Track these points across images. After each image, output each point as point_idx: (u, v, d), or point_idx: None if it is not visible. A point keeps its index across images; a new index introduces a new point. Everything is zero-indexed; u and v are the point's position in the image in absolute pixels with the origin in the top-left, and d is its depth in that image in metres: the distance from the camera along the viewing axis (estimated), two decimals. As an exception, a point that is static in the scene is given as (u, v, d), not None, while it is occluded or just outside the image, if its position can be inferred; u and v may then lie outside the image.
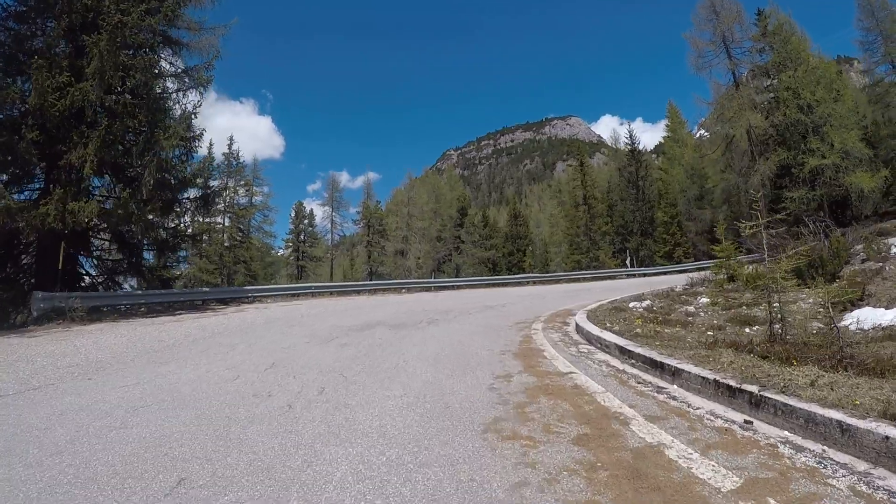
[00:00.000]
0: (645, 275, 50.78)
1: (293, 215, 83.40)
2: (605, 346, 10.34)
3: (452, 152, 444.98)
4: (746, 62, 54.58)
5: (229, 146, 70.18)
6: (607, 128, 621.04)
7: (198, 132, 28.45)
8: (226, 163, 68.98)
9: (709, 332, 10.22)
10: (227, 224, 68.64)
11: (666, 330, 10.97)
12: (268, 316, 21.02)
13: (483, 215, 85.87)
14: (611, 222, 71.96)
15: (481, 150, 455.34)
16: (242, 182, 70.69)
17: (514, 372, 8.64)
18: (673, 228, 66.23)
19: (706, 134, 72.95)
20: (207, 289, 32.35)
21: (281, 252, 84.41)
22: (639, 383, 7.50)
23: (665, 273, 50.77)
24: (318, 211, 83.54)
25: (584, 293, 29.54)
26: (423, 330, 14.82)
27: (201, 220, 65.45)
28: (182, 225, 32.83)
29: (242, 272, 65.88)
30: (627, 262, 56.19)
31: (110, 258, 29.18)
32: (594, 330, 11.57)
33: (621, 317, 13.82)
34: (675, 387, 7.15)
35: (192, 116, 27.70)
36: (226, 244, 66.51)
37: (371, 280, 73.33)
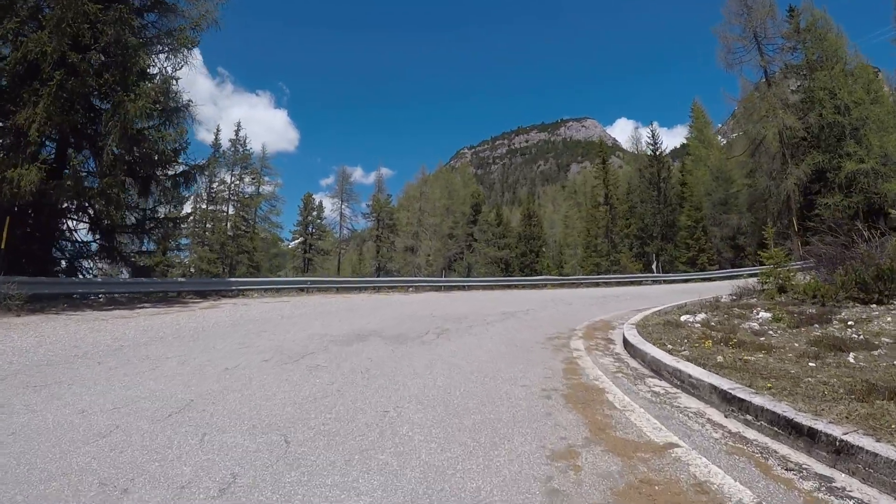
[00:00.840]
0: (672, 281, 47.09)
1: (302, 206, 79.99)
2: (689, 385, 7.01)
3: (466, 151, 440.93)
4: (778, 60, 52.44)
5: (236, 132, 67.17)
6: (623, 131, 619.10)
7: (182, 102, 24.91)
8: (232, 150, 65.64)
9: (810, 363, 7.58)
10: (230, 212, 65.19)
11: (748, 357, 8.20)
12: (241, 315, 17.35)
13: (497, 213, 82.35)
14: (632, 224, 68.02)
15: (495, 149, 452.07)
16: (248, 170, 67.17)
17: (577, 441, 4.98)
18: (697, 233, 61.93)
19: (733, 135, 70.74)
20: (183, 279, 28.41)
21: (289, 244, 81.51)
22: (788, 469, 4.29)
23: (692, 280, 46.95)
24: (328, 203, 79.85)
25: (612, 300, 26.09)
26: (430, 346, 11.14)
27: (199, 205, 63.41)
28: (171, 208, 28.85)
29: (245, 263, 62.87)
30: (654, 266, 52.39)
31: (80, 240, 25.25)
32: (663, 357, 8.42)
33: (680, 335, 10.78)
34: (843, 476, 4.11)
35: (172, 81, 23.91)
36: (229, 233, 62.94)
37: (378, 276, 70.31)
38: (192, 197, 62.85)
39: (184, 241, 60.42)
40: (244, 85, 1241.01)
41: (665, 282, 46.57)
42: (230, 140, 66.23)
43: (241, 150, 66.39)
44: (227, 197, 65.37)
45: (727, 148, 69.73)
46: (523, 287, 39.79)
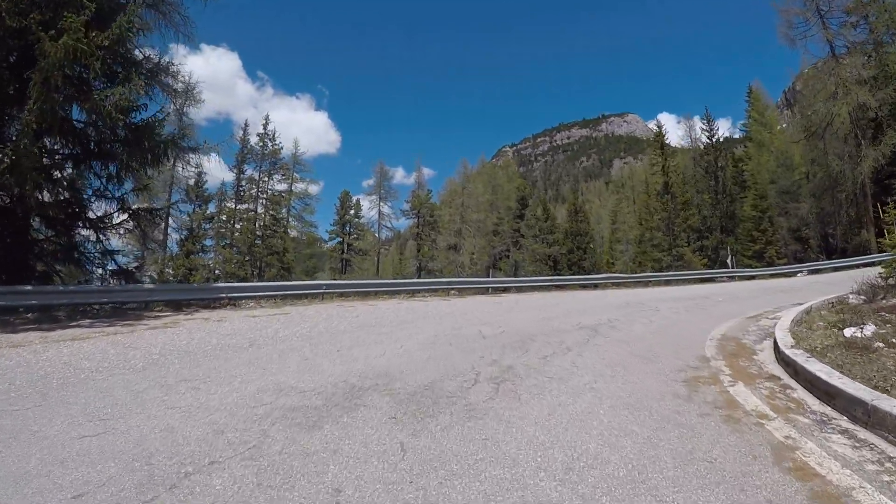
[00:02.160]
0: (749, 277, 41.34)
1: (338, 205, 76.04)
2: None
3: (508, 149, 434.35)
4: (842, 35, 47.34)
5: (264, 126, 61.85)
6: (664, 125, 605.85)
7: (157, 62, 19.45)
8: (260, 145, 60.32)
9: None
10: (259, 212, 59.94)
11: None
12: (198, 342, 11.39)
13: (544, 208, 76.59)
14: (694, 216, 61.71)
15: (537, 146, 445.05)
16: (278, 166, 61.88)
17: None
18: (764, 224, 55.98)
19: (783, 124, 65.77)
20: (152, 286, 22.24)
21: (327, 245, 76.79)
22: None
23: (769, 276, 41.29)
24: (366, 202, 74.68)
25: (702, 303, 21.08)
26: (485, 422, 5.68)
27: (225, 204, 58.49)
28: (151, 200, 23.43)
29: (276, 265, 57.60)
30: (729, 261, 46.21)
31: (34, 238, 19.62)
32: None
33: (886, 366, 6.59)
34: None
35: (133, 32, 18.07)
36: (258, 233, 57.80)
37: (419, 276, 65.34)
38: (217, 196, 58.61)
39: (208, 241, 56.01)
40: (284, 88, 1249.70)
41: (740, 278, 40.86)
42: (258, 135, 61.11)
43: (269, 145, 61.07)
44: (255, 195, 60.08)
45: (791, 130, 64.31)
46: (580, 287, 34.12)
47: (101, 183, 20.37)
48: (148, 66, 20.21)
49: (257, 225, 59.01)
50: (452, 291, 28.46)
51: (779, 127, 69.27)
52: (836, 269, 39.61)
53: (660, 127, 66.09)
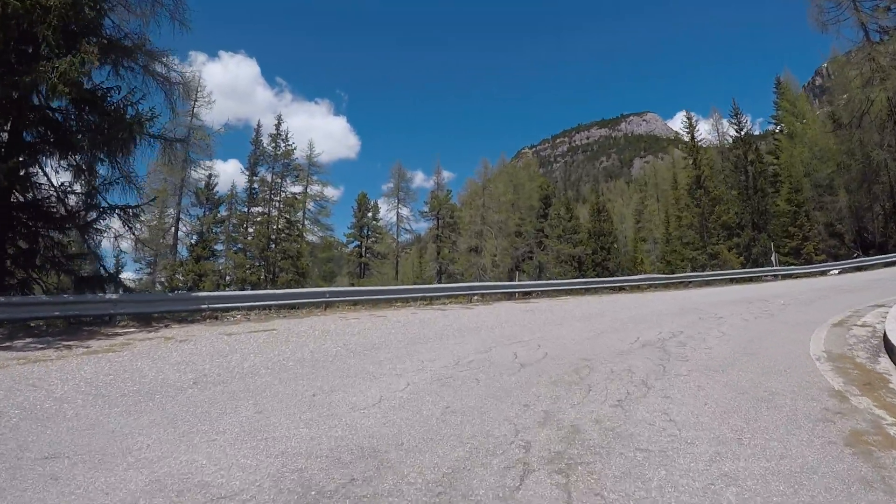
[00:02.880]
0: (794, 276, 37.87)
1: (356, 208, 72.43)
2: None
3: (527, 150, 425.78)
4: (876, 18, 43.09)
5: (277, 126, 58.56)
6: (683, 124, 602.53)
7: (142, 44, 16.70)
8: (272, 145, 57.31)
9: None
10: (273, 214, 56.95)
11: None
12: (125, 378, 8.18)
13: (567, 207, 73.14)
14: (730, 211, 57.64)
15: (556, 147, 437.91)
16: (291, 167, 58.89)
17: None
18: (801, 219, 52.24)
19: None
20: (115, 296, 18.29)
21: (347, 248, 73.63)
22: None
23: (816, 273, 38.20)
24: (385, 205, 71.76)
25: (773, 307, 17.65)
26: None
27: (236, 208, 55.85)
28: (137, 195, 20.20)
29: (290, 269, 54.62)
30: (773, 259, 42.63)
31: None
32: None
33: None
34: None
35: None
36: (271, 237, 54.86)
37: (440, 280, 62.27)
38: (226, 198, 55.85)
39: (219, 246, 53.29)
40: (302, 93, 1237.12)
41: (783, 276, 37.48)
42: (269, 135, 57.96)
43: (282, 146, 57.99)
44: (268, 198, 57.07)
45: (823, 120, 59.89)
46: (612, 290, 30.99)
47: (74, 178, 17.53)
48: (126, 45, 17.33)
49: (270, 228, 56.02)
50: (475, 297, 25.42)
51: (810, 116, 65.16)
52: (887, 265, 37.02)
53: (689, 118, 61.67)
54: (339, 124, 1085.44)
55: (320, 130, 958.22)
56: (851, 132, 48.01)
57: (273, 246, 54.74)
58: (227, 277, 51.80)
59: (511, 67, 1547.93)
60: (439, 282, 63.19)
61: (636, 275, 41.81)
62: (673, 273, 41.48)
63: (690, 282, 33.38)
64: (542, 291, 29.10)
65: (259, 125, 58.80)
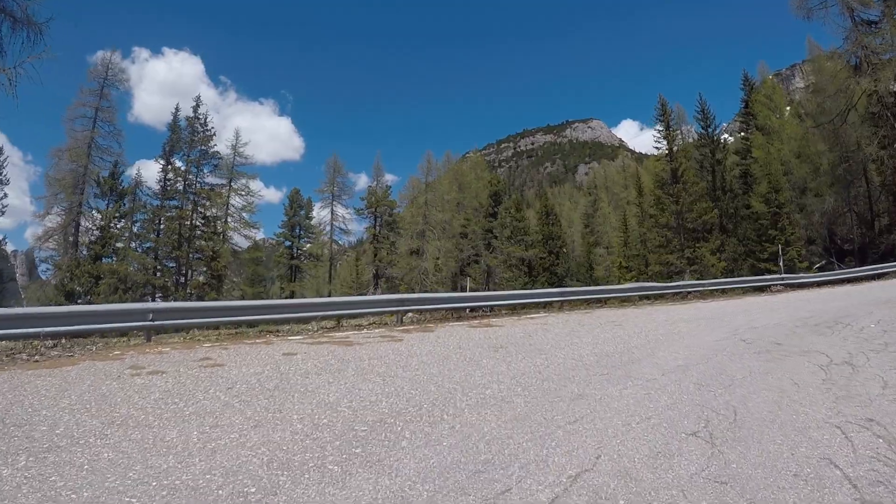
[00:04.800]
0: (805, 285, 31.74)
1: (287, 205, 65.12)
2: None
3: (472, 155, 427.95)
4: (865, 2, 41.70)
5: (194, 109, 50.15)
6: (628, 132, 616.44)
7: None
8: (189, 130, 48.84)
9: None
10: (186, 208, 48.46)
11: None
12: None
13: (517, 205, 67.84)
14: (709, 213, 50.79)
15: (501, 152, 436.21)
16: (209, 155, 50.55)
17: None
18: (782, 222, 45.94)
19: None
20: None
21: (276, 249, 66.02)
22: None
23: (830, 283, 32.67)
24: (319, 202, 64.74)
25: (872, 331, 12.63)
26: None
27: (142, 201, 47.75)
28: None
29: (205, 272, 46.92)
30: (781, 264, 35.79)
31: None
32: None
33: None
34: None
35: None
36: (184, 234, 46.86)
37: (376, 285, 55.73)
38: (130, 189, 47.59)
39: (121, 244, 46.34)
40: (247, 93, 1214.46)
41: (791, 286, 31.10)
42: (186, 118, 49.79)
43: (200, 130, 49.62)
44: (181, 189, 48.86)
45: (813, 114, 54.05)
46: (587, 303, 23.77)
47: None
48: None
49: (183, 225, 47.69)
50: (410, 314, 17.70)
51: (790, 110, 59.90)
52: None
53: (663, 105, 54.19)
54: (284, 125, 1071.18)
55: (266, 131, 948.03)
56: (836, 127, 45.34)
57: (187, 245, 46.54)
58: (129, 283, 43.51)
59: (459, 75, 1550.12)
60: (376, 287, 57.37)
61: (628, 283, 33.60)
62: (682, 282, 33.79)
63: (689, 293, 26.41)
64: (502, 306, 21.03)
65: (177, 109, 49.98)
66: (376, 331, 14.91)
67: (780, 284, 30.38)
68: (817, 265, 43.22)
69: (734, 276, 38.74)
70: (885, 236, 45.94)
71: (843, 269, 37.60)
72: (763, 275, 37.46)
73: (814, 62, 52.12)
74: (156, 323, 12.55)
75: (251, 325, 15.90)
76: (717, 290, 28.37)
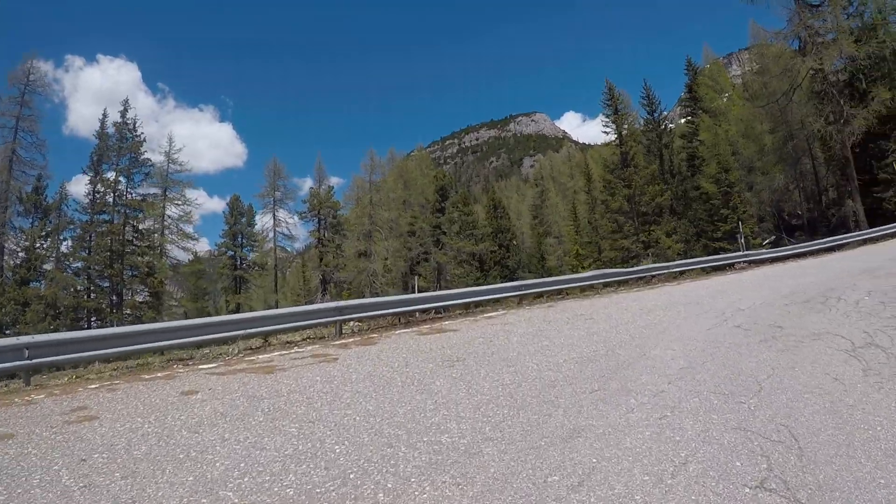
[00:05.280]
0: (767, 260, 30.43)
1: (228, 212, 61.34)
2: None
3: (417, 152, 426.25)
4: None
5: (122, 113, 46.31)
6: (571, 124, 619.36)
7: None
8: (117, 136, 45.47)
9: None
10: (117, 222, 45.17)
11: None
12: None
13: (464, 201, 65.27)
14: (665, 193, 49.99)
15: (446, 149, 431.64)
16: (139, 162, 47.00)
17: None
18: (734, 200, 45.56)
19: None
20: None
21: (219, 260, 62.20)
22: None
23: (801, 255, 31.34)
24: (261, 208, 61.11)
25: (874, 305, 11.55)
26: None
27: (68, 216, 44.52)
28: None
29: (141, 290, 44.33)
30: (742, 240, 34.32)
31: None
32: None
33: None
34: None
35: None
36: (114, 249, 43.58)
37: (324, 291, 53.29)
38: (55, 204, 44.47)
39: (48, 266, 43.03)
40: (186, 100, 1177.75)
41: (754, 263, 29.71)
42: (114, 124, 45.70)
43: (129, 136, 46.17)
44: (113, 202, 45.28)
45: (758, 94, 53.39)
46: (540, 296, 21.06)
47: None
48: None
49: (113, 241, 44.48)
50: (353, 322, 15.38)
51: (736, 92, 59.72)
52: (862, 242, 32.21)
53: (611, 89, 52.49)
54: (226, 131, 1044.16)
55: (207, 139, 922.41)
56: (783, 106, 45.25)
57: (120, 262, 43.50)
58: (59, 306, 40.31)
59: (401, 75, 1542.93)
60: (324, 294, 54.69)
61: (589, 272, 31.59)
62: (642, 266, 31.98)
63: (653, 276, 24.80)
64: (455, 305, 18.49)
65: (105, 115, 46.15)
66: (309, 348, 12.58)
67: (744, 262, 29.08)
68: (766, 241, 42.76)
69: (689, 258, 37.27)
70: (836, 209, 45.64)
71: (795, 243, 36.60)
72: (717, 254, 36.72)
73: (759, 45, 50.91)
74: (34, 361, 9.86)
75: (160, 351, 13.19)
76: (682, 271, 26.81)
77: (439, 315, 17.50)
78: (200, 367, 10.90)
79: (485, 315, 16.72)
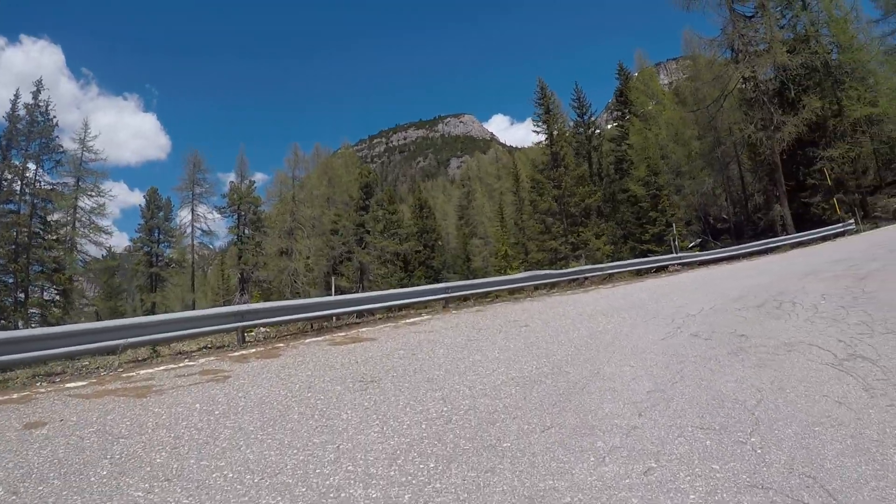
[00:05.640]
0: (701, 262, 30.15)
1: (144, 206, 59.55)
2: None
3: (343, 150, 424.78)
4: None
5: (35, 95, 43.37)
6: (499, 126, 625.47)
7: None
8: (28, 119, 42.50)
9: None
10: (24, 212, 42.17)
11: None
12: None
13: (389, 199, 66.10)
14: (597, 193, 50.63)
15: (373, 148, 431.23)
16: (49, 148, 44.13)
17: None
18: (662, 203, 45.64)
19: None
20: None
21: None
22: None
23: (730, 257, 30.85)
24: (180, 202, 59.01)
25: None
26: None
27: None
28: None
29: (48, 288, 41.75)
30: (676, 243, 33.66)
31: None
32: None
33: None
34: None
35: None
36: (22, 243, 41.04)
37: (243, 290, 51.81)
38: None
39: None
40: (110, 87, 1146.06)
41: (688, 265, 29.16)
42: (25, 106, 42.70)
43: (41, 120, 43.23)
44: (18, 190, 42.36)
45: (689, 99, 54.50)
46: (480, 297, 19.74)
47: None
48: None
49: (18, 233, 41.57)
50: (261, 328, 13.54)
51: (667, 96, 60.27)
52: (795, 245, 32.29)
53: (543, 88, 52.29)
54: (150, 122, 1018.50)
55: (129, 129, 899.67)
56: (714, 112, 45.84)
57: (25, 256, 40.69)
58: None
59: (331, 73, 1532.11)
60: (242, 293, 52.70)
61: (521, 273, 29.74)
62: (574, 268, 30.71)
63: (586, 279, 23.61)
64: (376, 309, 16.76)
65: (17, 95, 43.22)
66: (202, 360, 10.51)
67: (677, 264, 28.52)
68: (693, 244, 43.28)
69: (617, 260, 37.53)
70: (763, 213, 46.50)
71: (721, 246, 37.25)
72: (646, 256, 37.11)
73: (692, 52, 51.73)
74: None
75: (23, 364, 10.51)
76: (614, 273, 25.86)
77: (357, 322, 15.57)
78: (68, 385, 8.85)
79: (407, 321, 14.84)
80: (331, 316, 15.23)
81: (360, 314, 16.60)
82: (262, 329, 13.77)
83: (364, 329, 13.63)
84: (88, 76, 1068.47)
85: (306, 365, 9.25)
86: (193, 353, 11.73)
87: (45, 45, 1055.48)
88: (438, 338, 11.25)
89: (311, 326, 14.65)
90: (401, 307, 17.56)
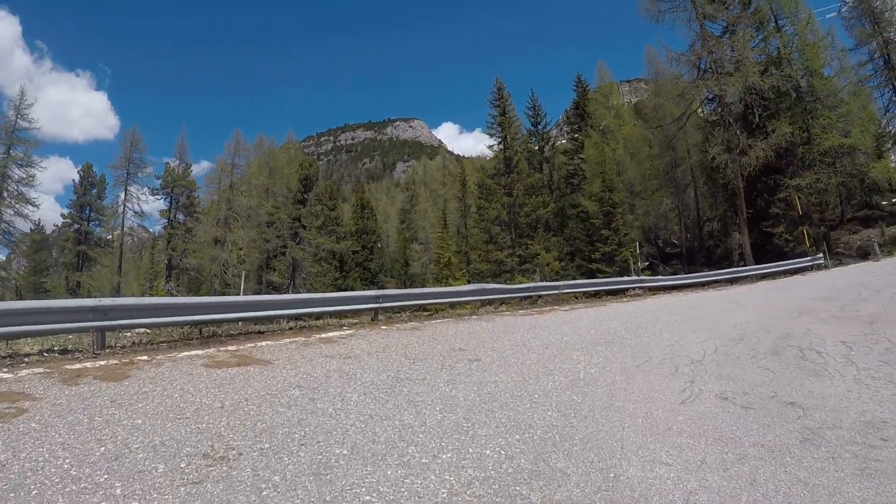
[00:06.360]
0: (664, 288, 27.60)
1: (77, 182, 57.71)
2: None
3: (289, 143, 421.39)
4: (721, 16, 41.25)
5: None
6: (448, 134, 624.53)
7: None
8: None
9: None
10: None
11: None
12: None
13: (330, 194, 64.64)
14: (550, 205, 47.96)
15: (321, 145, 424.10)
16: None
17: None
18: (616, 222, 42.81)
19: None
20: None
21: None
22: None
23: (693, 284, 28.62)
24: (113, 179, 55.76)
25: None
26: None
27: None
28: None
29: None
30: (635, 266, 31.43)
31: None
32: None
33: None
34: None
35: None
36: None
37: (169, 277, 49.56)
38: None
39: None
40: (63, 63, 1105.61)
41: (651, 290, 26.43)
42: None
43: None
44: None
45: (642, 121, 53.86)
46: (417, 310, 17.01)
47: None
48: None
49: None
50: (134, 331, 10.26)
51: (627, 111, 59.20)
52: (762, 277, 30.50)
53: (500, 89, 49.20)
54: (100, 101, 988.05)
55: (81, 107, 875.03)
56: (677, 130, 44.46)
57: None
58: None
59: (282, 68, 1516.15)
60: (168, 279, 49.91)
61: (470, 285, 26.34)
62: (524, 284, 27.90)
63: (540, 296, 20.80)
64: (286, 316, 12.87)
65: None
66: (24, 373, 7.06)
67: (639, 288, 25.72)
68: (642, 266, 40.75)
69: (564, 278, 35.81)
70: (720, 240, 46.15)
71: (670, 272, 36.92)
72: (594, 276, 35.86)
73: (655, 67, 49.51)
74: None
75: None
76: (571, 293, 23.01)
77: (261, 331, 12.03)
78: None
79: (322, 335, 11.31)
80: (222, 321, 11.59)
81: (271, 319, 13.21)
82: (135, 332, 10.51)
83: (264, 343, 10.05)
84: (43, 49, 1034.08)
85: (152, 401, 5.85)
86: (29, 359, 8.28)
87: (2, 15, 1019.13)
88: (356, 369, 7.84)
89: (200, 332, 11.15)
90: (319, 315, 14.13)
